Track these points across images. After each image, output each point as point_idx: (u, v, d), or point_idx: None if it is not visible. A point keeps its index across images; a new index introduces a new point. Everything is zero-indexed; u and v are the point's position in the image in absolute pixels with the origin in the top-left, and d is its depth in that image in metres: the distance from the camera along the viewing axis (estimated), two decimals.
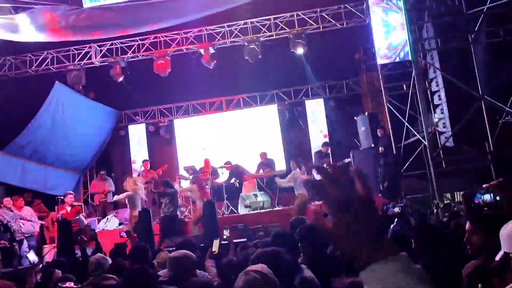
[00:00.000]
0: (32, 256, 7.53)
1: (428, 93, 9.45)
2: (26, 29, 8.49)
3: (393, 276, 0.69)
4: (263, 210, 9.77)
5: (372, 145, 10.20)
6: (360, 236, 0.74)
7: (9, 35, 8.77)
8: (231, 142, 12.74)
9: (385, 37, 9.35)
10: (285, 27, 10.71)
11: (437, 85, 9.28)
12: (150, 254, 4.83)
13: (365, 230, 0.74)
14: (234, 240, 5.79)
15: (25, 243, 8.82)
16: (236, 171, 10.95)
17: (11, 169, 10.12)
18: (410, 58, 8.59)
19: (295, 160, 9.20)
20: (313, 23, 10.64)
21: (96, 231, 9.31)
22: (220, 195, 10.64)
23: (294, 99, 12.97)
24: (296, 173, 8.90)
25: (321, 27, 10.66)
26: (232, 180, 10.83)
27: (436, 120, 9.54)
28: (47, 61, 11.00)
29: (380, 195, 9.03)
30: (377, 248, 0.73)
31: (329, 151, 11.22)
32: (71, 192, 9.04)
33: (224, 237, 5.74)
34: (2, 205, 8.78)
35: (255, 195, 10.29)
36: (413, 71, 8.56)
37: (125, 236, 7.76)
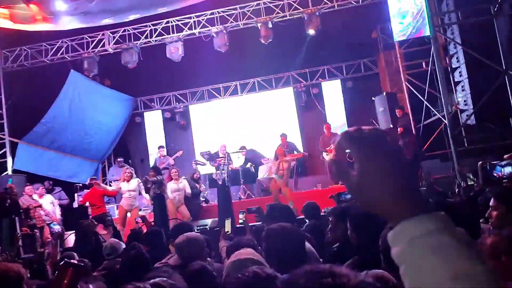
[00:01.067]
0: (56, 227, 7.64)
1: (449, 70, 9.10)
2: (39, 18, 8.52)
3: (426, 235, 0.57)
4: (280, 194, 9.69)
5: (391, 126, 9.95)
6: (389, 187, 0.63)
7: (23, 26, 8.82)
8: (247, 126, 12.64)
9: (402, 13, 9.02)
10: (299, 7, 10.45)
11: (458, 61, 8.93)
12: (165, 239, 4.83)
13: (395, 180, 0.63)
14: (250, 224, 5.75)
15: (47, 230, 8.98)
16: (252, 156, 10.87)
17: (31, 158, 10.32)
18: (429, 34, 8.26)
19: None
20: (328, 2, 10.35)
21: (114, 217, 9.43)
22: (236, 180, 10.61)
23: (310, 81, 12.74)
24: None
25: (336, 5, 10.36)
26: (248, 165, 10.76)
27: (458, 98, 9.21)
28: (62, 49, 11.06)
29: None
30: (410, 203, 0.61)
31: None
32: (94, 177, 9.15)
33: (240, 221, 5.69)
34: (24, 193, 8.95)
35: (272, 179, 10.21)
36: (432, 47, 8.23)
37: (141, 221, 7.83)
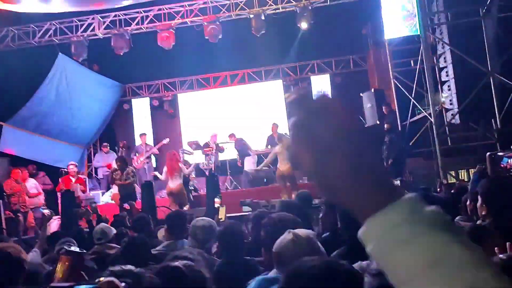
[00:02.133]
0: (45, 210, 7.58)
1: (436, 69, 9.29)
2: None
3: (394, 228, 0.52)
4: (265, 186, 9.80)
5: (378, 122, 10.11)
6: (350, 172, 0.55)
7: (12, 6, 8.65)
8: (235, 117, 12.66)
9: (392, 11, 9.14)
10: (292, 0, 10.48)
11: (445, 61, 9.12)
12: (152, 226, 4.88)
13: (355, 163, 0.55)
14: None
15: (31, 215, 8.91)
16: (240, 146, 10.93)
17: (16, 141, 10.16)
18: (418, 33, 8.41)
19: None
20: None
21: (99, 204, 9.40)
22: (224, 170, 10.67)
23: (300, 75, 12.82)
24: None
25: (328, 0, 10.43)
26: (235, 156, 10.83)
27: (443, 97, 9.40)
28: (50, 32, 10.88)
29: None
30: (379, 195, 0.54)
31: None
32: (73, 162, 9.04)
33: (216, 205, 5.79)
34: (11, 177, 8.85)
35: (258, 171, 10.30)
36: (421, 46, 8.38)
37: (129, 208, 7.83)
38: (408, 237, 0.51)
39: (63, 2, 8.21)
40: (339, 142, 0.56)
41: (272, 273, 2.18)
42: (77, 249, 1.49)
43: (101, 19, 10.82)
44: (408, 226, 0.51)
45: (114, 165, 10.36)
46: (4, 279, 2.19)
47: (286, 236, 2.11)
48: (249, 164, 10.99)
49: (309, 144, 0.57)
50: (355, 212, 0.56)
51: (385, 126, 9.63)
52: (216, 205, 5.20)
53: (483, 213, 2.61)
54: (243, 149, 10.93)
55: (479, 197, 2.68)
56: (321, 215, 3.12)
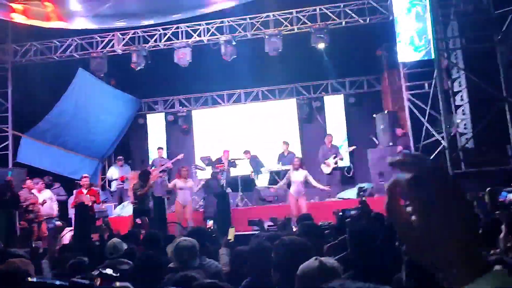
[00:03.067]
0: (58, 222, 7.72)
1: (450, 93, 9.27)
2: (53, 16, 8.66)
3: None
4: (276, 204, 9.82)
5: (390, 144, 10.10)
6: (451, 245, 0.57)
7: (36, 22, 8.95)
8: (248, 134, 12.77)
9: (408, 34, 9.20)
10: (307, 22, 10.63)
11: (460, 86, 9.10)
12: (162, 243, 4.93)
13: (461, 241, 0.58)
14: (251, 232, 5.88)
15: (44, 225, 9.05)
16: (254, 163, 11.01)
17: (33, 152, 10.40)
18: (433, 57, 8.44)
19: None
20: (336, 18, 10.53)
21: (111, 216, 9.51)
22: (235, 186, 10.70)
23: (313, 94, 12.91)
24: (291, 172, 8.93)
25: (343, 22, 10.55)
26: (248, 173, 10.89)
27: (458, 121, 9.37)
28: (71, 47, 11.19)
29: None
30: (470, 265, 0.57)
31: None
32: (86, 175, 9.19)
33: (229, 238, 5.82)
34: (24, 187, 9.02)
35: (269, 189, 10.33)
36: (435, 70, 8.41)
37: (139, 223, 7.92)
38: None
39: (84, 21, 8.46)
40: (444, 207, 0.58)
41: None
42: (112, 272, 1.54)
43: (121, 36, 11.10)
44: None
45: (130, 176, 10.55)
46: None
47: (313, 262, 2.15)
48: (262, 181, 11.03)
49: (416, 201, 0.60)
50: (441, 278, 0.58)
51: (398, 148, 9.62)
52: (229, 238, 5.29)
53: (508, 244, 2.60)
54: (256, 166, 11.00)
55: (503, 228, 2.66)
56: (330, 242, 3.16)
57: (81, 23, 8.85)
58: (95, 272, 1.55)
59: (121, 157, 11.68)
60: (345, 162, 11.99)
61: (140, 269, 3.20)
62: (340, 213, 5.54)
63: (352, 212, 4.36)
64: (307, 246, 2.67)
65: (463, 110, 9.12)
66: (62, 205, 10.08)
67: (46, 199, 9.29)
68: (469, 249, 0.58)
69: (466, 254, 0.57)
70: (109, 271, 1.55)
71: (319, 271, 2.01)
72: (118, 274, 1.56)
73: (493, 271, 0.56)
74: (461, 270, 0.57)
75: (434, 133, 8.97)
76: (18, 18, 8.49)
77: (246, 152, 11.17)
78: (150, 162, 12.00)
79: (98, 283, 1.49)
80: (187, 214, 8.61)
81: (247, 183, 10.70)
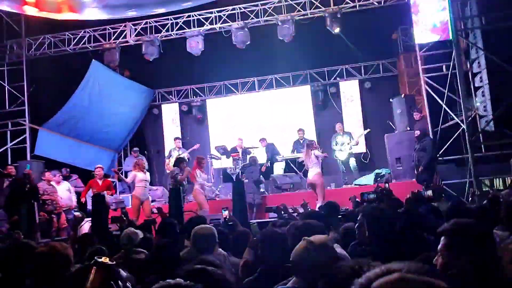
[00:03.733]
0: (77, 213, 7.78)
1: (469, 74, 9.02)
2: (64, 7, 8.68)
3: None
4: (292, 192, 9.77)
5: (408, 128, 9.90)
6: None
7: (48, 14, 8.98)
8: (263, 122, 12.69)
9: (424, 16, 8.94)
10: (321, 6, 10.42)
11: (479, 66, 8.84)
12: (179, 231, 4.92)
13: None
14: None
15: (63, 216, 9.18)
16: (270, 151, 10.97)
17: (51, 145, 10.54)
18: (451, 38, 8.19)
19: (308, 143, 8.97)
20: (350, 1, 10.30)
21: (128, 207, 9.58)
22: None
23: (328, 80, 12.73)
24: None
25: (357, 5, 10.31)
26: (263, 161, 10.84)
27: (477, 103, 9.12)
28: (84, 39, 11.22)
29: (414, 180, 8.77)
30: None
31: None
32: (100, 166, 9.26)
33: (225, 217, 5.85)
34: (43, 178, 9.15)
35: (285, 176, 10.28)
36: (454, 51, 8.16)
37: (156, 212, 7.95)
38: None
39: (96, 11, 8.45)
40: None
41: (291, 283, 2.17)
42: (108, 260, 1.50)
43: (133, 26, 11.08)
44: None
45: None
46: (51, 275, 2.23)
47: (301, 243, 2.10)
48: (278, 170, 10.98)
49: None
50: None
51: (415, 132, 9.42)
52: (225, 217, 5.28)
53: None
54: (272, 154, 10.96)
55: None
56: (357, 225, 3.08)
57: (92, 13, 8.84)
58: (92, 262, 1.50)
59: (136, 148, 11.74)
60: (361, 148, 11.84)
61: (155, 258, 3.18)
62: (357, 199, 5.47)
63: (371, 196, 4.28)
64: (319, 227, 2.61)
65: (482, 91, 8.87)
66: (79, 196, 10.19)
67: (64, 191, 9.42)
68: None
69: None
70: (104, 259, 1.51)
71: (308, 251, 1.97)
72: (114, 262, 1.52)
73: None
74: None
75: (453, 116, 8.75)
76: (30, 11, 8.53)
77: (262, 140, 11.12)
78: (166, 153, 12.04)
79: (93, 271, 1.45)
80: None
81: (263, 172, 10.66)
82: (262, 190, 9.83)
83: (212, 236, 3.37)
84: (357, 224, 3.08)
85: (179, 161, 8.81)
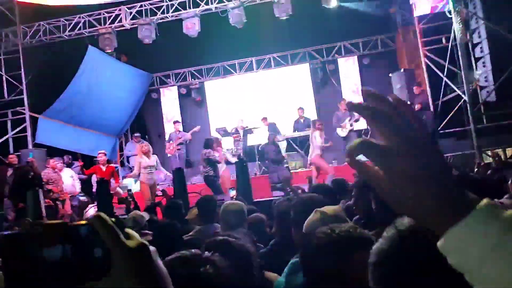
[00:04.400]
0: (83, 197, 7.84)
1: (469, 45, 8.94)
2: None
3: (478, 239, 0.51)
4: (294, 171, 9.80)
5: (408, 103, 9.86)
6: (431, 193, 0.53)
7: (42, 0, 8.86)
8: (263, 102, 12.64)
9: None
10: None
11: (480, 37, 8.76)
12: (184, 211, 4.95)
13: (435, 183, 0.54)
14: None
15: (68, 203, 9.23)
16: (272, 129, 10.93)
17: (51, 132, 10.52)
18: (450, 8, 8.09)
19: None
20: None
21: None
22: (252, 156, 10.69)
23: (327, 58, 12.63)
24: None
25: None
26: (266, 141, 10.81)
27: (478, 74, 9.06)
28: (80, 25, 11.09)
29: None
30: (452, 206, 0.53)
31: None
32: (103, 151, 9.25)
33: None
34: (48, 166, 9.17)
35: (288, 156, 10.30)
36: (453, 22, 8.07)
37: (161, 195, 8.00)
38: (496, 246, 0.50)
39: None
40: (409, 149, 0.54)
41: None
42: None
43: (128, 10, 10.94)
44: (492, 234, 0.51)
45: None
46: None
47: (314, 215, 2.10)
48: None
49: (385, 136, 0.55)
50: (427, 223, 0.55)
51: (416, 106, 9.39)
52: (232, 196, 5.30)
53: None
54: (274, 133, 10.93)
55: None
56: (353, 199, 3.09)
57: None
58: None
59: (138, 134, 11.72)
60: (362, 124, 11.82)
61: (157, 239, 3.18)
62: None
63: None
64: (323, 201, 2.61)
65: (483, 62, 8.81)
66: (83, 183, 10.22)
67: (67, 178, 9.45)
68: (447, 189, 0.54)
69: (442, 193, 0.54)
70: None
71: (322, 222, 1.96)
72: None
73: (479, 205, 0.52)
74: (442, 210, 0.53)
75: (454, 88, 8.71)
76: None
77: (264, 119, 11.05)
78: (167, 137, 12.03)
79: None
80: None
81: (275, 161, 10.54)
82: (286, 165, 9.73)
83: (242, 212, 3.39)
84: (353, 199, 3.09)
85: (210, 142, 8.51)
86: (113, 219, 0.61)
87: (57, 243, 0.57)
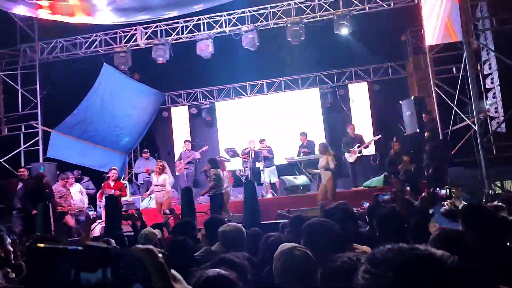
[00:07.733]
0: (91, 212, 7.83)
1: (480, 76, 9.01)
2: (78, 11, 8.80)
3: None
4: (302, 194, 9.79)
5: (418, 130, 9.89)
6: None
7: (62, 17, 9.10)
8: (272, 125, 12.72)
9: (434, 17, 8.95)
10: (330, 8, 10.47)
11: (490, 68, 8.83)
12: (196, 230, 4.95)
13: None
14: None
15: (69, 217, 9.23)
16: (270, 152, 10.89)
17: (63, 147, 10.65)
18: (461, 39, 8.19)
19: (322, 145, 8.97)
20: (359, 4, 10.34)
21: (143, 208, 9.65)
22: (259, 178, 10.69)
23: (337, 82, 12.75)
24: (322, 160, 8.75)
25: (366, 8, 10.35)
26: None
27: (488, 105, 9.10)
28: (96, 43, 11.35)
29: (424, 182, 8.76)
30: None
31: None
32: (115, 167, 9.34)
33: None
34: (59, 180, 9.23)
35: (295, 178, 10.30)
36: (465, 52, 8.16)
37: (169, 213, 8.00)
38: None
39: (109, 14, 8.56)
40: None
41: None
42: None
43: (143, 30, 11.19)
44: None
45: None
46: None
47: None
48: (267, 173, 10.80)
49: None
50: None
51: (425, 134, 9.41)
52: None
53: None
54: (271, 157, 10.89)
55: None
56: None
57: (104, 17, 8.95)
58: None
59: (146, 150, 11.83)
60: (371, 150, 11.83)
61: (169, 257, 3.19)
62: (367, 203, 5.45)
63: (386, 197, 4.29)
64: (333, 227, 2.63)
65: (494, 93, 8.86)
66: (91, 198, 10.28)
67: (76, 193, 9.50)
68: None
69: None
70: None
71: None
72: (109, 246, 1.57)
73: None
74: None
75: (464, 117, 8.73)
76: (44, 14, 8.64)
77: (262, 140, 10.90)
78: (176, 156, 12.10)
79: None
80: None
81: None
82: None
83: (241, 233, 3.42)
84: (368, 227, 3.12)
85: (214, 163, 8.52)
86: (161, 255, 0.61)
87: (98, 268, 0.57)
